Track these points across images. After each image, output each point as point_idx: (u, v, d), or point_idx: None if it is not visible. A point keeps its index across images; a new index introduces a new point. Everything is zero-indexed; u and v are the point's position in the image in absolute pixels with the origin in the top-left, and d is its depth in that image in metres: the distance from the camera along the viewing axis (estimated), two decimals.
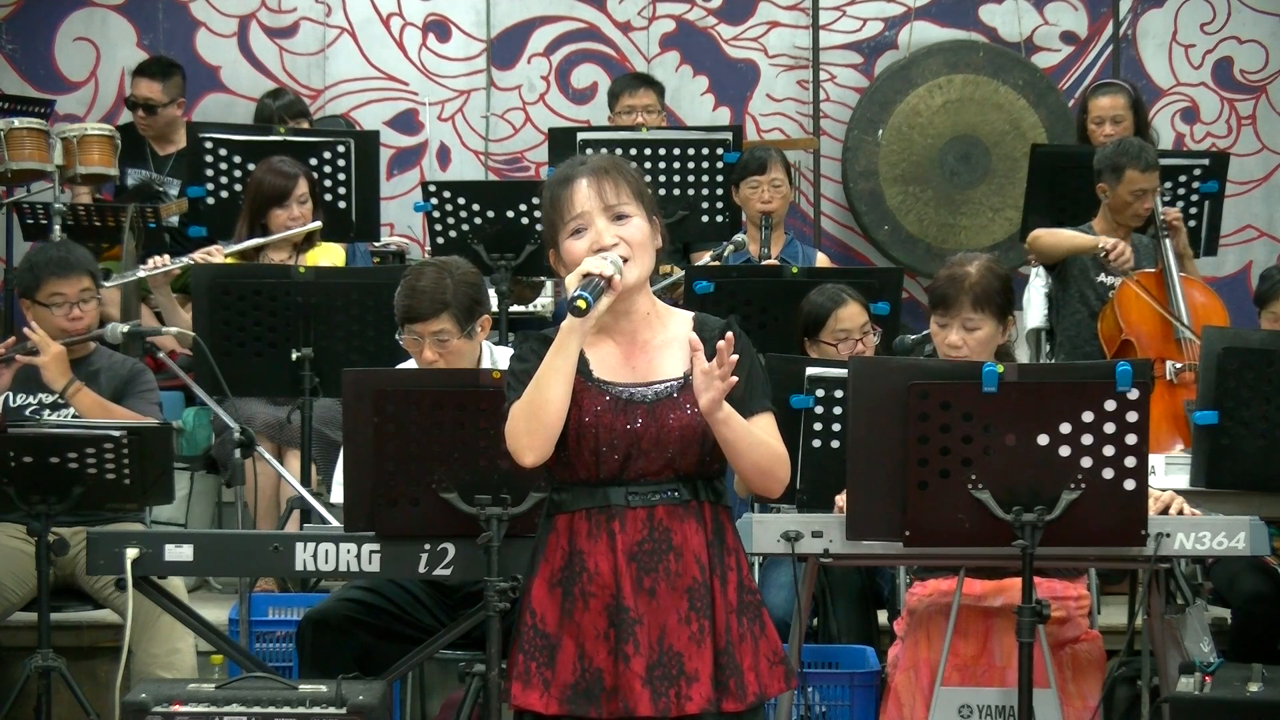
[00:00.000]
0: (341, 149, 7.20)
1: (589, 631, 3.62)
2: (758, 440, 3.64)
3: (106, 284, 6.66)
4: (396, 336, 5.20)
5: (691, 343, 3.55)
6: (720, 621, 3.63)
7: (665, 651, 3.60)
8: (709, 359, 3.61)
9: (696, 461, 3.64)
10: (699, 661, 3.60)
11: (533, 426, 3.56)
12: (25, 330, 5.75)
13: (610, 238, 3.61)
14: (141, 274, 6.68)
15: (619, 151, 7.11)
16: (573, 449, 3.62)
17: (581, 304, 3.48)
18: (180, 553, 4.56)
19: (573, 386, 3.59)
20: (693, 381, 3.55)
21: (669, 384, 3.65)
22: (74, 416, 5.59)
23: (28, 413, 5.68)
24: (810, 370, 5.20)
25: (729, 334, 3.53)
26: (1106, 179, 6.93)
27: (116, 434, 5.04)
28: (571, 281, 3.54)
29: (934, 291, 4.96)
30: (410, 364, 5.44)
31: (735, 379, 3.53)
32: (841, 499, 4.64)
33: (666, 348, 3.69)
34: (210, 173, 7.16)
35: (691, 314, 3.76)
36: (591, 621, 3.61)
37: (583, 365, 3.64)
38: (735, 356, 3.51)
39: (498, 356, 5.28)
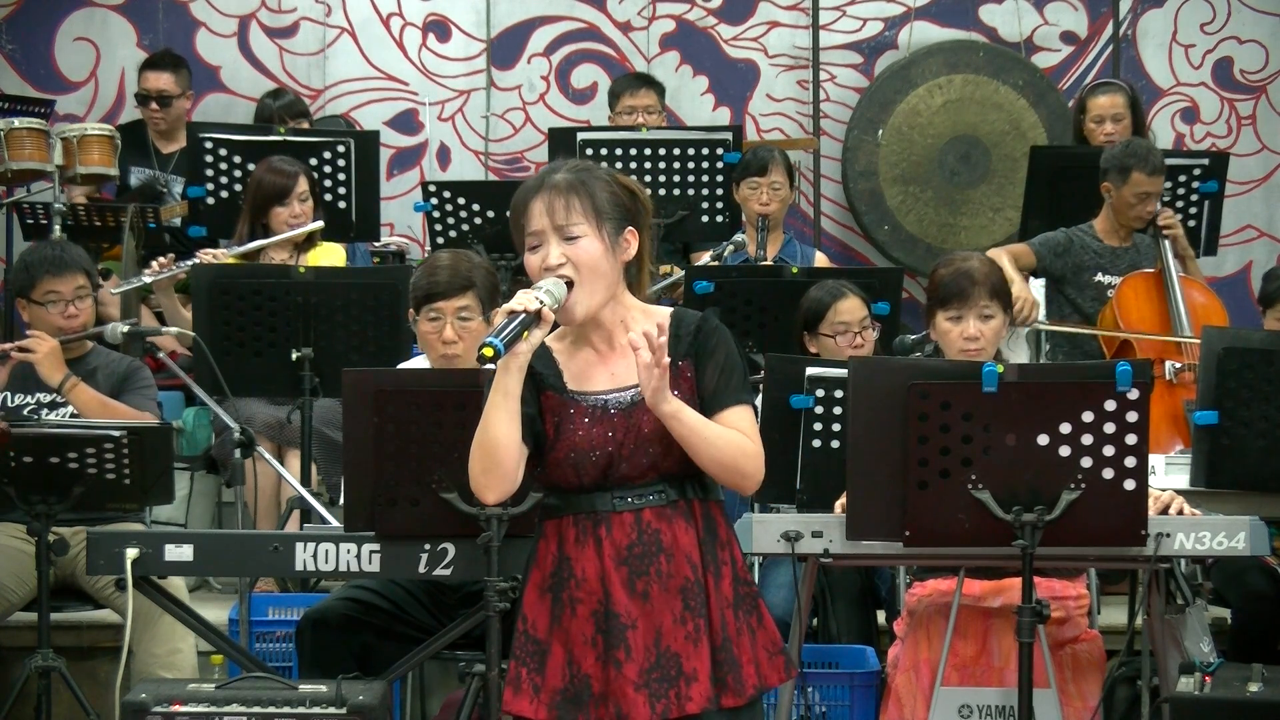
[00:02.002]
0: (341, 149, 7.21)
1: (577, 637, 3.62)
2: (715, 434, 3.60)
3: (113, 291, 6.68)
4: (410, 323, 5.19)
5: (631, 342, 3.52)
6: (716, 619, 3.63)
7: (663, 653, 3.60)
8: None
9: (680, 460, 3.63)
10: (697, 661, 3.60)
11: (488, 467, 3.56)
12: (28, 334, 5.75)
13: (555, 258, 3.59)
14: (147, 279, 6.68)
15: (619, 151, 7.12)
16: (552, 463, 3.62)
17: (488, 351, 3.43)
18: (180, 553, 4.56)
19: (545, 404, 3.60)
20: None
21: None
22: (72, 413, 5.58)
23: (25, 412, 5.68)
24: (810, 370, 5.20)
25: (659, 323, 3.53)
26: (1112, 179, 6.93)
27: (116, 434, 5.04)
28: (496, 318, 3.52)
29: (942, 288, 4.92)
30: (410, 364, 5.45)
31: (666, 362, 3.49)
32: (841, 503, 4.64)
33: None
34: (210, 173, 7.16)
35: (670, 310, 3.75)
36: (579, 628, 3.61)
37: (557, 379, 3.64)
38: (663, 340, 3.48)
39: None
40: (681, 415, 3.56)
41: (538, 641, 3.64)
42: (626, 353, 3.64)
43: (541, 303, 3.51)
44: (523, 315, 3.49)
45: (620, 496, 3.62)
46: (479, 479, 3.58)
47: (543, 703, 3.62)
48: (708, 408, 3.63)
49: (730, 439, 3.62)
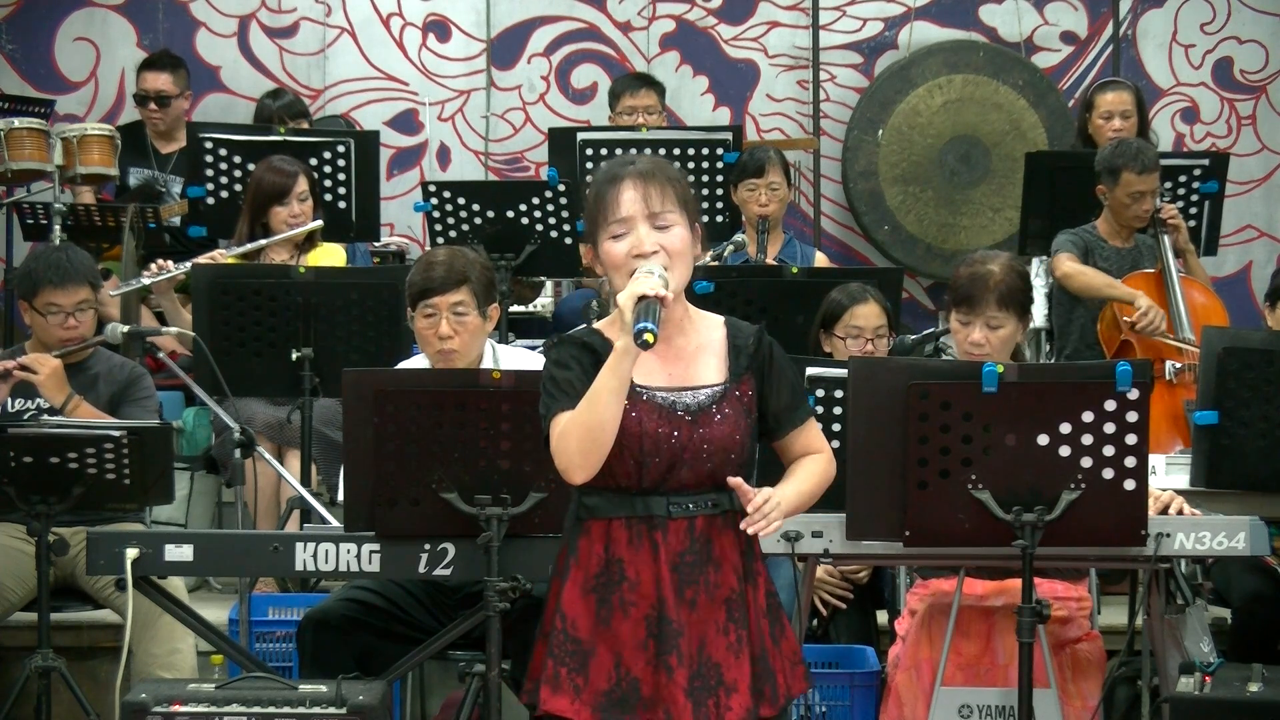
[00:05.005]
0: (341, 149, 7.21)
1: (627, 641, 3.60)
2: (813, 487, 3.68)
3: (112, 293, 6.67)
4: (407, 321, 5.20)
5: (732, 483, 3.54)
6: (754, 629, 3.64)
7: (705, 662, 3.60)
8: (742, 365, 3.64)
9: (734, 472, 3.62)
10: (737, 671, 3.61)
11: (587, 448, 3.52)
12: (26, 348, 5.76)
13: (650, 245, 3.58)
14: (146, 281, 6.68)
15: (619, 152, 7.11)
16: (614, 456, 3.56)
17: (650, 338, 3.43)
18: (180, 553, 4.56)
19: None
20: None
21: (708, 391, 3.64)
22: None
23: (26, 417, 5.68)
24: (810, 370, 5.19)
25: (765, 496, 3.54)
26: (1105, 181, 6.92)
27: (116, 434, 5.04)
28: (626, 304, 3.50)
29: (956, 289, 4.95)
30: (410, 363, 5.44)
31: (779, 524, 3.55)
32: None
33: (701, 354, 3.67)
34: (210, 173, 7.16)
35: (723, 318, 3.74)
36: (630, 631, 3.60)
37: None
38: (776, 502, 3.53)
39: (500, 355, 5.28)
40: (791, 506, 3.62)
41: (579, 641, 3.62)
42: (684, 355, 3.66)
43: (666, 284, 3.52)
44: (655, 303, 3.48)
45: (676, 503, 3.61)
46: (575, 458, 3.53)
47: (585, 704, 3.59)
48: (781, 425, 3.69)
49: (821, 475, 3.71)
